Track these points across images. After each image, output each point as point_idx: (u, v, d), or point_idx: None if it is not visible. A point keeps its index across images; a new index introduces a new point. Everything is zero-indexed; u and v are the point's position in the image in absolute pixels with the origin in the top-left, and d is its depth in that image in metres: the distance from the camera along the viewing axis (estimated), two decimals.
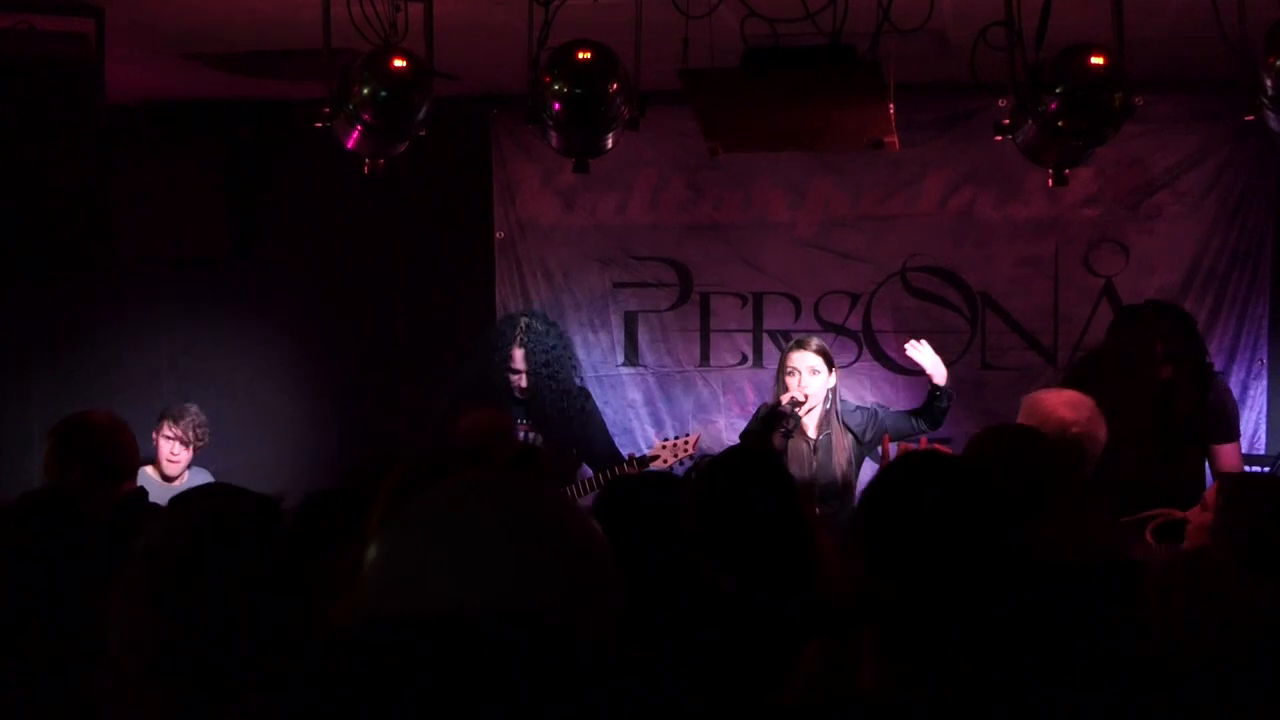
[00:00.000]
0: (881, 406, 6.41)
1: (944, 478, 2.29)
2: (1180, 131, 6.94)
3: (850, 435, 6.28)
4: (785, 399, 6.07)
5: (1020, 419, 4.65)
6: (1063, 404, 4.53)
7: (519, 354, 6.79)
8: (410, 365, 7.47)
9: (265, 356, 7.61)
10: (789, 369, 6.21)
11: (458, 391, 6.86)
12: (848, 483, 6.24)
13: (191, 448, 6.65)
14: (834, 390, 6.27)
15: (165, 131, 7.30)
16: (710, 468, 3.99)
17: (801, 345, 6.29)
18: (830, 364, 6.26)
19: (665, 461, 6.43)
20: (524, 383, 6.79)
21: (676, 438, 6.59)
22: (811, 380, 6.17)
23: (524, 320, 6.94)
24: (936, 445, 5.38)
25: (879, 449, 6.30)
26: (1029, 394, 4.83)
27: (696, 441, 6.58)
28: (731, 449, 4.85)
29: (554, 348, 6.90)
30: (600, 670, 1.26)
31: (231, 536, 2.49)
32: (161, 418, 6.67)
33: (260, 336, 7.60)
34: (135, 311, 7.61)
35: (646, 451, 6.58)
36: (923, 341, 6.22)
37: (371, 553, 1.59)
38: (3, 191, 7.08)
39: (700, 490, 3.80)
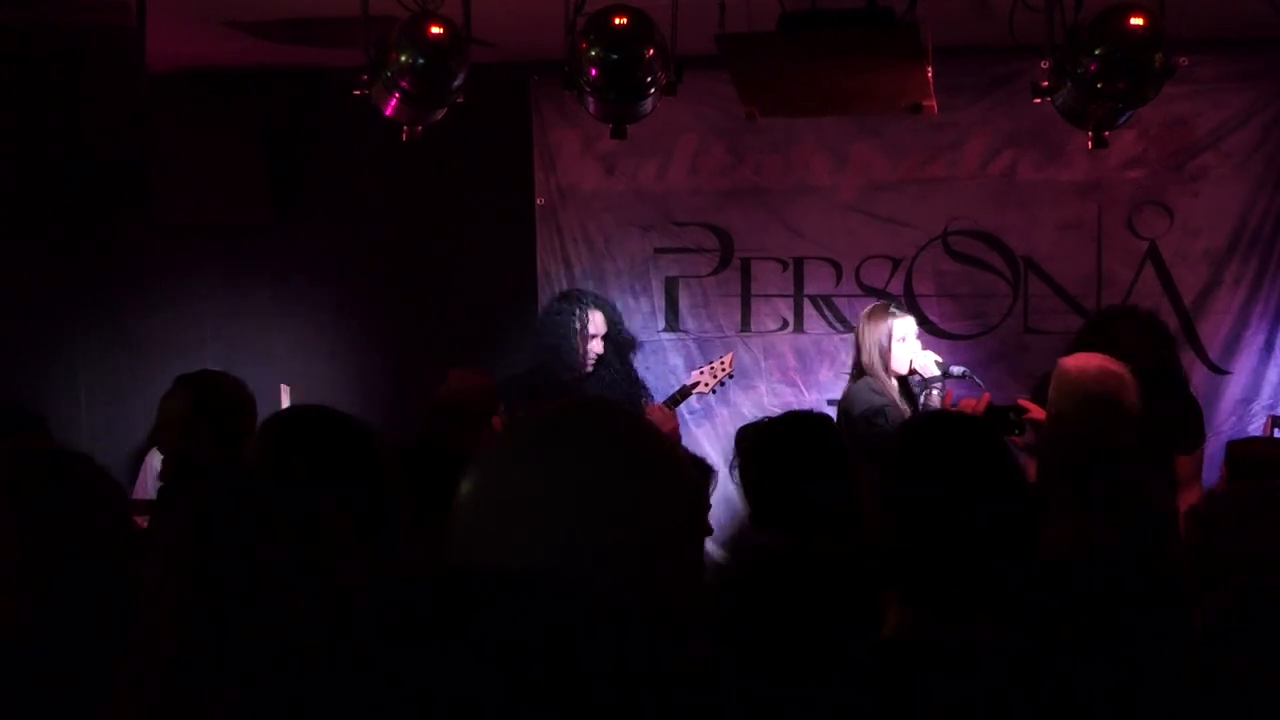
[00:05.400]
0: None
1: (968, 437, 2.28)
2: (1225, 92, 6.86)
3: None
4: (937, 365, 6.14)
5: (1051, 385, 4.66)
6: (1091, 373, 4.53)
7: (594, 329, 6.84)
8: (452, 333, 7.48)
9: (306, 323, 7.63)
10: (898, 336, 6.21)
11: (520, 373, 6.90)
12: None
13: None
14: None
15: (205, 99, 7.31)
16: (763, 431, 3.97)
17: (901, 309, 6.36)
18: None
19: (706, 385, 6.52)
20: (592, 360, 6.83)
21: (711, 362, 6.62)
22: (915, 345, 6.26)
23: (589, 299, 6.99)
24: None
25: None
26: (1061, 358, 4.83)
27: (732, 360, 6.62)
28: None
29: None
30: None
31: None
32: None
33: (301, 303, 7.62)
34: (176, 279, 7.63)
35: (686, 382, 6.64)
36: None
37: (465, 487, 1.51)
38: (45, 158, 7.14)
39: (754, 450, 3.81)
